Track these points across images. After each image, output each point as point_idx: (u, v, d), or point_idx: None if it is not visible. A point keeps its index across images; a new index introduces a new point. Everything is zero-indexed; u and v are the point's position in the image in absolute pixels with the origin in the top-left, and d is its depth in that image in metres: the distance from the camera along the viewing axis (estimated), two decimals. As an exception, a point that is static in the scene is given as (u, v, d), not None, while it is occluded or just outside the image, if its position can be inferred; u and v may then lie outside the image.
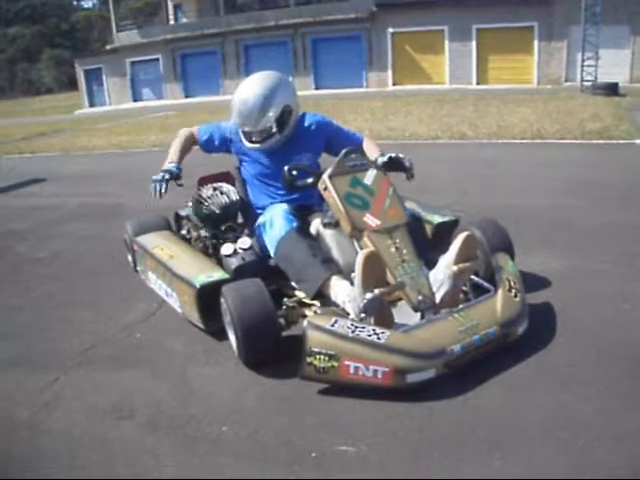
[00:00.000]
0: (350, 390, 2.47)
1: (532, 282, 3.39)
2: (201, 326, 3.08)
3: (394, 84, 27.35)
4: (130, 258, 4.19)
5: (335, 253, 3.07)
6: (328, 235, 3.09)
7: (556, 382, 2.49)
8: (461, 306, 2.73)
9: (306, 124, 3.59)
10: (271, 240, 3.14)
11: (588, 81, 18.84)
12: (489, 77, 25.99)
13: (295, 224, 3.13)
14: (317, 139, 3.59)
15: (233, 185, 3.75)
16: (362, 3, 27.21)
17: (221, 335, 3.01)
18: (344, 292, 2.81)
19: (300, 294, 3.09)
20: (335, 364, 2.40)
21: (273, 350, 2.74)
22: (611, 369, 2.55)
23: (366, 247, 2.80)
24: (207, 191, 3.73)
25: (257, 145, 3.44)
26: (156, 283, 3.57)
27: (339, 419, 2.36)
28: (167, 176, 3.41)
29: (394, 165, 3.30)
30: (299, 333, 2.58)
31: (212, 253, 3.56)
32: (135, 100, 34.18)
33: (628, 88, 18.30)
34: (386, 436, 2.24)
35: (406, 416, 2.34)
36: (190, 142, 3.70)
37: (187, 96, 32.03)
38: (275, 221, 3.15)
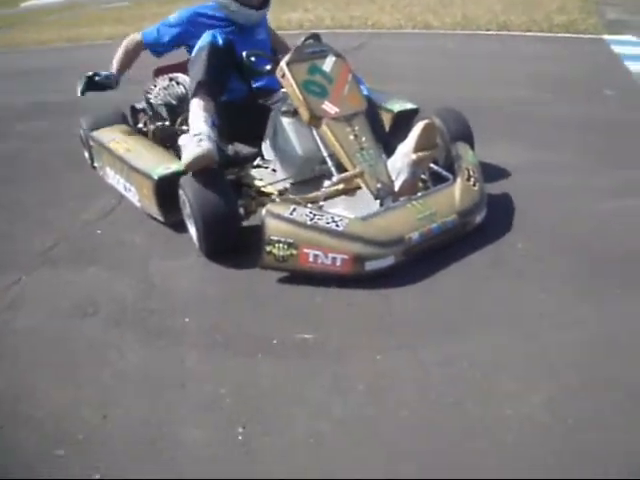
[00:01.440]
0: (310, 278, 2.49)
1: (491, 173, 3.39)
2: (160, 219, 3.06)
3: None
4: (87, 154, 4.09)
5: (294, 142, 3.02)
6: (286, 123, 3.03)
7: (511, 271, 2.54)
8: (420, 194, 2.72)
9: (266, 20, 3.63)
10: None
11: (555, -30, 18.41)
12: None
13: (215, 40, 3.13)
14: (269, 37, 3.67)
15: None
16: None
17: (181, 227, 2.99)
18: (193, 129, 2.93)
19: (259, 183, 3.07)
20: (294, 252, 2.42)
21: (233, 240, 2.73)
22: (565, 259, 2.60)
23: (325, 135, 2.78)
24: (163, 82, 3.63)
25: (252, 11, 3.38)
26: (114, 178, 3.51)
27: (299, 308, 2.40)
28: (90, 74, 3.47)
29: None
30: (259, 223, 2.56)
31: (170, 145, 3.50)
32: (87, -10, 32.62)
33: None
34: (345, 323, 2.29)
35: (365, 304, 2.38)
36: (134, 47, 3.64)
37: (142, -13, 30.66)
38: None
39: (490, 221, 2.86)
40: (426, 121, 2.76)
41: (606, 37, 8.09)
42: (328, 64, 2.93)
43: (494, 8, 10.95)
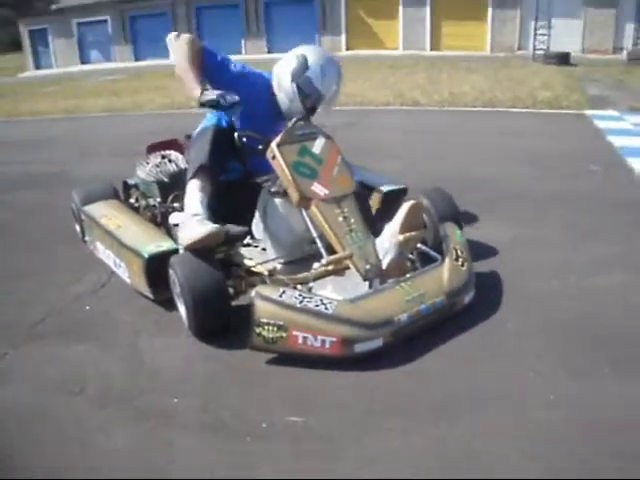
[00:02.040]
0: (299, 359, 2.49)
1: (479, 250, 3.45)
2: (150, 296, 3.06)
3: (347, 49, 27.19)
4: (78, 228, 4.11)
5: (283, 222, 3.06)
6: (276, 204, 3.08)
7: (500, 351, 2.56)
8: (408, 275, 2.76)
9: None
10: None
11: (540, 50, 19.04)
12: (442, 43, 26.02)
13: (220, 122, 3.20)
14: None
15: (182, 153, 3.71)
16: (316, -34, 26.92)
17: (170, 305, 2.99)
18: (190, 209, 2.96)
19: (249, 262, 3.09)
20: (284, 334, 2.42)
21: (223, 321, 2.74)
22: (554, 339, 2.64)
23: (314, 216, 2.82)
24: (155, 159, 3.69)
25: (301, 109, 3.24)
26: (104, 253, 3.52)
27: (288, 389, 2.39)
28: (218, 98, 3.00)
29: None
30: (248, 303, 2.57)
31: (160, 222, 3.54)
32: (83, 62, 33.32)
33: (579, 58, 18.57)
34: (335, 406, 2.27)
35: (354, 385, 2.37)
36: (196, 50, 3.22)
37: (137, 59, 31.32)
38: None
39: (478, 300, 2.89)
40: (412, 202, 2.82)
41: (589, 112, 8.38)
42: (318, 146, 3.00)
43: (480, 86, 11.32)
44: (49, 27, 33.94)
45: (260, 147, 3.12)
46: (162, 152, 3.77)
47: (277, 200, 3.07)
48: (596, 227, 3.97)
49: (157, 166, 3.64)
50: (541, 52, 18.75)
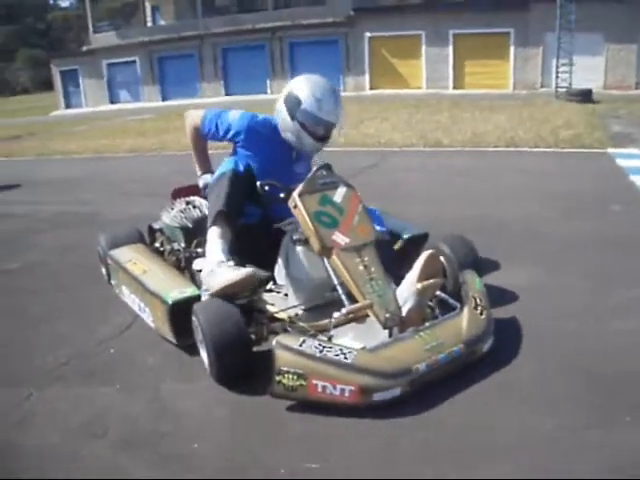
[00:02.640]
0: (319, 406, 2.52)
1: (498, 295, 3.45)
2: (173, 341, 3.12)
3: (371, 88, 27.53)
4: (104, 270, 4.20)
5: (305, 269, 3.12)
6: (298, 251, 3.14)
7: (519, 398, 2.56)
8: (427, 324, 2.79)
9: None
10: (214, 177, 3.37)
11: (563, 87, 19.13)
12: (465, 82, 26.26)
13: (237, 167, 3.26)
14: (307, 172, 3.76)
15: (205, 198, 3.80)
16: (340, 7, 27.36)
17: (193, 349, 3.03)
18: (215, 257, 3.03)
19: (271, 309, 3.14)
20: (303, 383, 2.46)
21: (244, 367, 2.78)
22: (574, 385, 2.62)
23: (335, 265, 2.87)
24: (180, 205, 3.78)
25: (319, 143, 3.46)
26: (129, 297, 3.60)
27: (307, 436, 2.41)
28: None
29: None
30: (269, 348, 2.62)
31: (184, 266, 3.61)
32: (112, 102, 34.06)
33: (602, 94, 18.63)
34: (353, 453, 2.29)
35: (372, 433, 2.39)
36: (199, 137, 3.75)
37: (164, 99, 31.98)
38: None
39: (497, 346, 2.89)
40: (430, 252, 2.88)
41: (611, 150, 8.40)
42: (339, 195, 3.07)
43: (503, 125, 11.38)
44: (80, 68, 34.82)
45: (282, 195, 3.20)
46: (186, 198, 3.87)
47: (299, 248, 3.13)
48: (616, 270, 3.96)
49: (182, 212, 3.73)
50: (563, 89, 18.84)
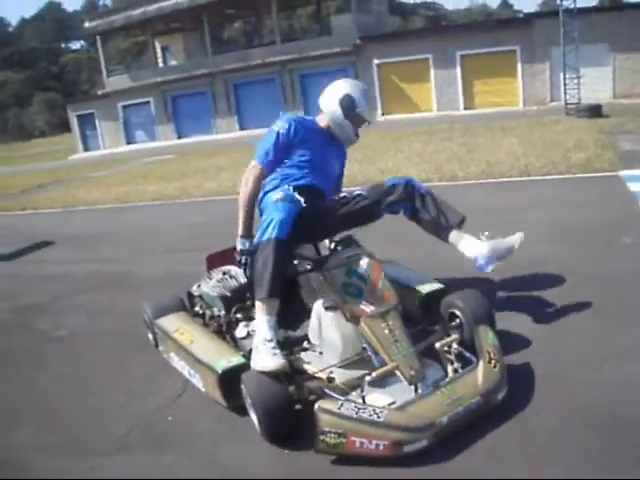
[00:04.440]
0: (359, 458, 2.85)
1: (512, 342, 3.66)
2: (224, 404, 3.43)
3: (383, 114, 27.91)
4: (151, 336, 4.48)
5: (337, 333, 3.47)
6: (329, 317, 3.50)
7: (532, 448, 2.76)
8: (447, 379, 3.14)
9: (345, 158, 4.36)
10: (258, 234, 3.46)
11: (572, 104, 19.30)
12: (475, 102, 26.58)
13: (282, 234, 3.36)
14: (340, 175, 4.34)
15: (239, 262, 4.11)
16: (346, 37, 27.91)
17: (243, 410, 3.30)
18: (262, 332, 3.31)
19: (309, 368, 3.50)
20: (343, 440, 2.82)
21: (290, 426, 3.11)
22: (587, 433, 2.78)
23: (363, 331, 3.26)
24: (217, 275, 4.16)
25: (352, 132, 4.03)
26: (179, 364, 3.92)
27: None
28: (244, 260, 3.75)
29: None
30: (311, 403, 2.98)
31: (226, 331, 3.98)
32: (129, 143, 34.82)
33: (612, 105, 18.75)
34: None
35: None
36: (258, 180, 3.85)
37: (180, 137, 32.65)
38: (271, 215, 3.42)
39: (513, 395, 3.13)
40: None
41: (622, 173, 8.46)
42: (362, 266, 3.45)
43: (515, 151, 11.57)
44: (95, 111, 35.66)
45: (309, 267, 3.59)
46: (222, 268, 4.24)
47: (330, 314, 3.50)
48: (628, 309, 4.03)
49: (219, 281, 4.10)
50: (573, 105, 19.03)
